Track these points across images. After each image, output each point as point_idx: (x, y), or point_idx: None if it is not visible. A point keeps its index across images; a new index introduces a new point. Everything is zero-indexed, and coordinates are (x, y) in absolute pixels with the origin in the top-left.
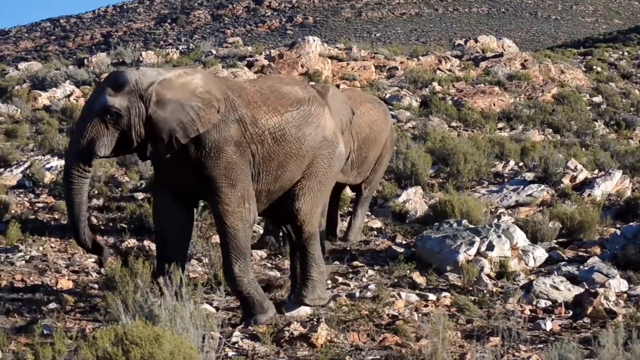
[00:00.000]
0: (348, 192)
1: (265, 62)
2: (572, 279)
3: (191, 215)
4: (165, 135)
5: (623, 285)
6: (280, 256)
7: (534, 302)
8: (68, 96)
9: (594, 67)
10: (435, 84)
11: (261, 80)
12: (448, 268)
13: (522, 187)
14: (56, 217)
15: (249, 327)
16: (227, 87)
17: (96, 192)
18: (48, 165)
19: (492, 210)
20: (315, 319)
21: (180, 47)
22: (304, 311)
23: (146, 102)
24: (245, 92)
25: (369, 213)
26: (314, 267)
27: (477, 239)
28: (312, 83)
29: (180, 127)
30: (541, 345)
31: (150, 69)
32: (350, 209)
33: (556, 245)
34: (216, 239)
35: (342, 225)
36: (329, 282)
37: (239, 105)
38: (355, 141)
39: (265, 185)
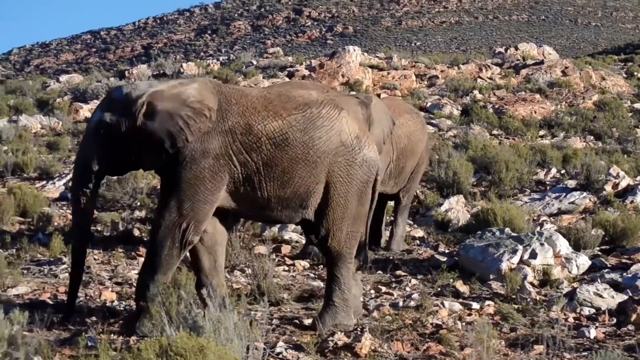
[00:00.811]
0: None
1: (306, 72)
2: (616, 286)
3: (224, 224)
4: (154, 145)
5: None
6: (323, 266)
7: (578, 310)
8: None
9: (635, 73)
10: (476, 92)
11: (278, 85)
12: (491, 276)
13: (564, 194)
14: (99, 229)
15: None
16: (226, 96)
17: (138, 204)
18: None
19: (535, 218)
20: (359, 329)
21: (221, 58)
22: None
23: (136, 114)
24: (246, 99)
25: (412, 222)
26: (337, 292)
27: (520, 247)
28: (354, 93)
29: (168, 137)
30: (585, 353)
31: (145, 82)
32: (389, 219)
33: (599, 253)
34: (259, 250)
35: (385, 235)
36: (372, 291)
37: (232, 114)
38: (394, 151)
39: (273, 192)
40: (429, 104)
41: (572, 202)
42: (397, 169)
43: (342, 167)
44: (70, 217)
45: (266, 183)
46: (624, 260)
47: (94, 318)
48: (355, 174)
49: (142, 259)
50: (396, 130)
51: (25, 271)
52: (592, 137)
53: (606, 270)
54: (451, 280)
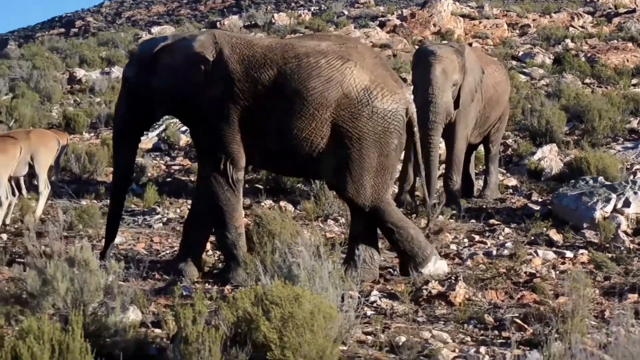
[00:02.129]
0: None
1: (397, 22)
2: None
3: None
4: (162, 99)
5: None
6: (416, 215)
7: None
8: None
9: None
10: (568, 41)
11: (298, 36)
12: (584, 225)
13: None
14: (192, 179)
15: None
16: (230, 46)
17: None
18: (183, 128)
19: (628, 166)
20: (453, 278)
21: (312, 9)
22: (441, 270)
23: (147, 69)
24: (248, 49)
25: (505, 171)
26: (401, 241)
27: (614, 195)
28: (446, 42)
29: (172, 90)
30: None
31: (164, 36)
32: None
33: None
34: None
35: (477, 184)
36: (466, 240)
37: (232, 63)
38: (482, 100)
39: (275, 143)
40: (520, 53)
41: None
42: (482, 119)
43: (347, 120)
44: (163, 168)
45: (268, 133)
46: None
47: None
48: (364, 127)
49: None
50: (484, 80)
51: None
52: None
53: None
54: (544, 229)
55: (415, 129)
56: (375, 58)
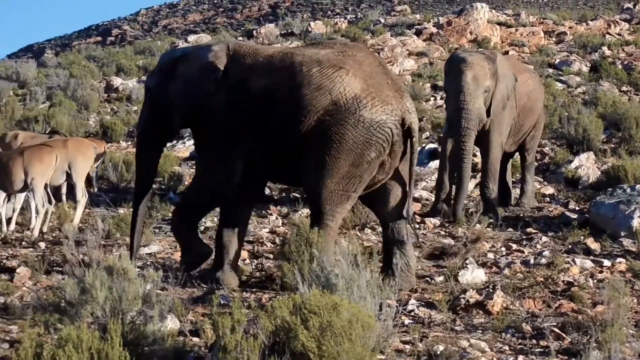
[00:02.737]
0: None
1: (434, 30)
2: None
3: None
4: (178, 108)
5: None
6: (454, 224)
7: None
8: None
9: None
10: (604, 48)
11: (306, 44)
12: (622, 233)
13: None
14: None
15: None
16: (238, 55)
17: None
18: None
19: None
20: (491, 286)
21: (349, 17)
22: (479, 278)
23: (166, 78)
24: (250, 58)
25: (542, 179)
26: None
27: None
28: (481, 49)
29: (188, 99)
30: None
31: (186, 47)
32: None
33: None
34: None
35: (514, 192)
36: (503, 249)
37: (235, 72)
38: (515, 108)
39: (269, 151)
40: (557, 60)
41: None
42: (517, 127)
43: (330, 126)
44: None
45: (268, 141)
46: None
47: None
48: (346, 134)
49: (272, 218)
50: (517, 88)
51: (157, 230)
52: None
53: None
54: (582, 237)
55: (414, 139)
56: (376, 67)
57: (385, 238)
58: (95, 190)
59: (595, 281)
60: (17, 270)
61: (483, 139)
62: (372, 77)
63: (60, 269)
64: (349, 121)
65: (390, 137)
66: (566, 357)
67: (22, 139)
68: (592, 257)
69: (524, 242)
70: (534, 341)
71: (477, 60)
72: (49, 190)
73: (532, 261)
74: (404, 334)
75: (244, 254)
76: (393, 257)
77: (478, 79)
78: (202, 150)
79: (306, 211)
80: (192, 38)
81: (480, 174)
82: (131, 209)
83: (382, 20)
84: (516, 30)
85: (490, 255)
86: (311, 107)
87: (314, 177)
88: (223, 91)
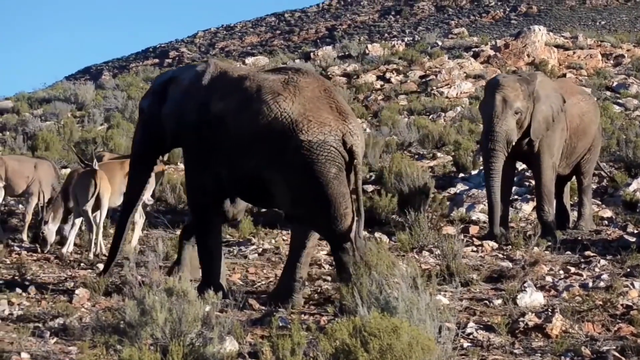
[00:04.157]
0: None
1: (491, 53)
2: None
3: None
4: (169, 127)
5: None
6: (512, 247)
7: None
8: None
9: None
10: None
11: (269, 69)
12: None
13: None
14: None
15: None
16: (216, 76)
17: None
18: None
19: None
20: (549, 310)
21: (406, 39)
22: (537, 301)
23: (159, 99)
24: (218, 81)
25: (599, 202)
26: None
27: None
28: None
29: (177, 120)
30: None
31: (176, 68)
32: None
33: None
34: (447, 230)
35: (572, 215)
36: (561, 272)
37: (204, 93)
38: (567, 130)
39: (236, 172)
40: (615, 83)
41: None
42: (569, 149)
43: (276, 153)
44: None
45: (229, 163)
46: None
47: None
48: (294, 159)
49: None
50: (568, 109)
51: None
52: None
53: None
54: None
55: (356, 160)
56: (320, 91)
57: (335, 262)
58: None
59: None
60: (76, 292)
61: (534, 162)
62: (312, 101)
63: (118, 290)
64: (290, 146)
65: (339, 153)
66: None
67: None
68: None
69: (582, 266)
70: None
71: (508, 82)
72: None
73: (590, 284)
74: (463, 357)
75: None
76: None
77: (507, 101)
78: (185, 166)
79: (364, 233)
80: (249, 60)
81: (535, 197)
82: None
83: (440, 43)
84: (574, 52)
85: (549, 279)
86: (252, 131)
87: (308, 210)
88: (198, 111)
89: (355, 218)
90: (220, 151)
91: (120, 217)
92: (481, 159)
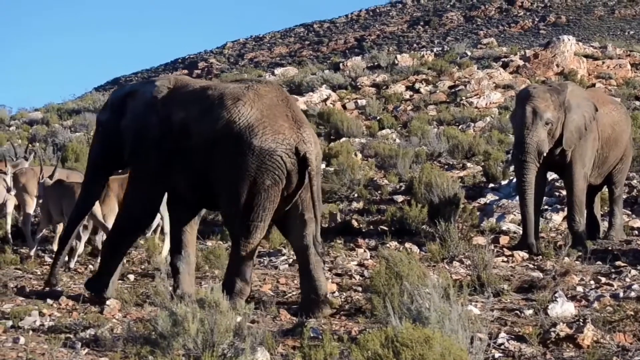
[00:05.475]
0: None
1: (521, 63)
2: None
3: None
4: (127, 140)
5: None
6: (542, 257)
7: None
8: (324, 100)
9: None
10: None
11: (228, 81)
12: None
13: None
14: None
15: None
16: (175, 89)
17: (356, 195)
18: None
19: None
20: (581, 320)
21: (435, 50)
22: (568, 311)
23: (117, 113)
24: (177, 93)
25: (630, 212)
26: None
27: None
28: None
29: (132, 133)
30: None
31: (134, 83)
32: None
33: None
34: (478, 240)
35: (602, 225)
36: (592, 282)
37: (166, 106)
38: (598, 140)
39: (195, 179)
40: None
41: None
42: (601, 159)
43: (228, 155)
44: None
45: (191, 172)
46: None
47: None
48: (241, 162)
49: (360, 251)
50: (600, 119)
51: None
52: None
53: None
54: None
55: (310, 167)
56: (278, 100)
57: (299, 266)
58: None
59: None
60: (107, 302)
61: (565, 172)
62: (269, 108)
63: (149, 301)
64: (242, 150)
65: (284, 165)
66: None
67: None
68: None
69: (613, 276)
70: None
71: (538, 93)
72: None
73: (621, 294)
74: None
75: (332, 286)
76: (302, 285)
77: (537, 112)
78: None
79: (394, 244)
80: (278, 71)
81: (566, 207)
82: (219, 241)
83: (469, 53)
84: (603, 62)
85: (580, 289)
86: (213, 137)
87: (224, 208)
88: (159, 124)
89: (313, 222)
90: (181, 160)
91: (67, 227)
92: (511, 169)
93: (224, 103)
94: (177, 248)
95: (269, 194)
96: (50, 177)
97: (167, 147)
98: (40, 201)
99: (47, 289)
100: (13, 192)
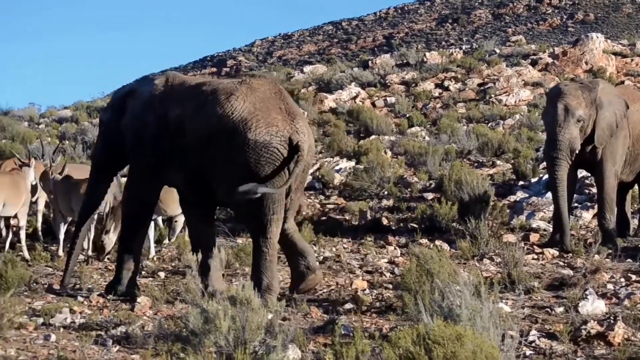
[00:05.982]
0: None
1: (549, 60)
2: None
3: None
4: (128, 139)
5: None
6: (572, 254)
7: None
8: (354, 98)
9: None
10: None
11: (235, 75)
12: None
13: None
14: (347, 217)
15: None
16: (172, 86)
17: (386, 192)
18: (337, 167)
19: None
20: (611, 317)
21: (464, 47)
22: (599, 309)
23: (118, 113)
24: (173, 90)
25: None
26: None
27: None
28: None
29: (132, 132)
30: None
31: (134, 82)
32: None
33: None
34: (508, 238)
35: (633, 223)
36: (622, 280)
37: (162, 104)
38: (629, 137)
39: (191, 176)
40: None
41: None
42: (632, 156)
43: (224, 150)
44: (318, 206)
45: (190, 169)
46: None
47: (346, 306)
48: (238, 156)
49: (391, 248)
50: (631, 116)
51: None
52: None
53: None
54: None
55: (299, 156)
56: (271, 93)
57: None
58: None
59: None
60: (138, 300)
61: (596, 169)
62: (262, 101)
63: (179, 298)
64: (238, 143)
65: (281, 156)
66: None
67: None
68: None
69: None
70: None
71: (569, 90)
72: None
73: None
74: None
75: (363, 284)
76: (298, 266)
77: (569, 109)
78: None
79: (424, 241)
80: (307, 69)
81: (597, 205)
82: (248, 239)
83: (498, 51)
84: (631, 60)
85: (610, 286)
86: (206, 131)
87: (233, 207)
88: (157, 123)
89: (291, 207)
90: (177, 157)
91: (76, 226)
92: (542, 166)
93: (217, 98)
94: (195, 247)
95: (272, 184)
96: (60, 172)
97: (165, 146)
98: (52, 197)
99: (60, 288)
100: (34, 183)
